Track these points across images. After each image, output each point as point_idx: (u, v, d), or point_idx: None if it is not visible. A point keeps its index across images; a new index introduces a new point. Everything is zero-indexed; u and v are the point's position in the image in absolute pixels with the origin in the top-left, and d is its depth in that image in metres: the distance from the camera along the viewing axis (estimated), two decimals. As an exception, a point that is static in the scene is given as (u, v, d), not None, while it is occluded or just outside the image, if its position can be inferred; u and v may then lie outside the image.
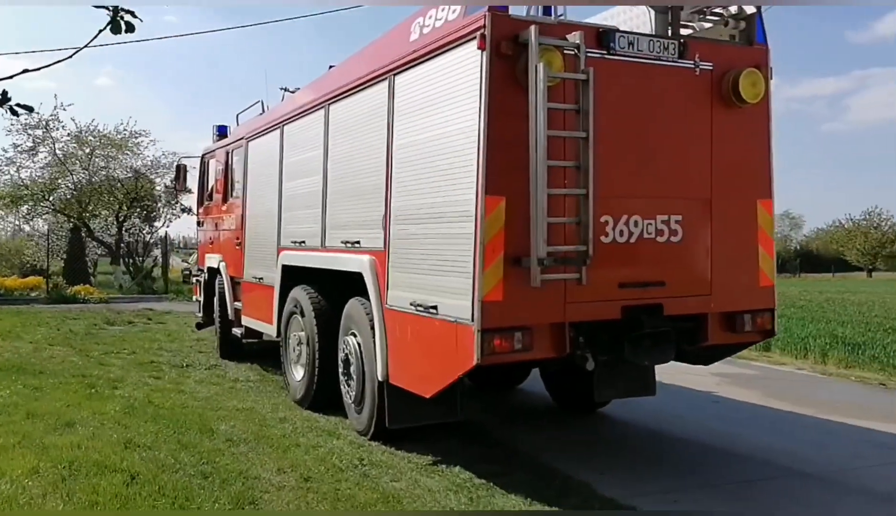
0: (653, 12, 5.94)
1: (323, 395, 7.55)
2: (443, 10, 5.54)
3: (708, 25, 6.16)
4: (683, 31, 6.11)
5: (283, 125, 8.62)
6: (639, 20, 6.08)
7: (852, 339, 12.24)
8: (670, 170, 5.73)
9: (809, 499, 5.39)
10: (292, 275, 8.19)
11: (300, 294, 7.86)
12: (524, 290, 5.03)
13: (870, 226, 70.79)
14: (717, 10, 6.06)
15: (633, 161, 5.59)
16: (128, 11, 3.54)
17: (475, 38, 5.02)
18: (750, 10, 5.99)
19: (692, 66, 5.74)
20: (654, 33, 5.85)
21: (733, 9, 6.03)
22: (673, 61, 5.67)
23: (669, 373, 8.16)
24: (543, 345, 5.30)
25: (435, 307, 5.38)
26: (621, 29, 5.63)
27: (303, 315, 7.78)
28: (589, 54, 5.24)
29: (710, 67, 5.81)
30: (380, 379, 6.13)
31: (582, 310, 5.37)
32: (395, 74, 6.11)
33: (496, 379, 8.81)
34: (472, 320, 4.98)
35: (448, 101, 5.40)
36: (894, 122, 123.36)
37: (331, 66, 8.63)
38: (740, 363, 12.02)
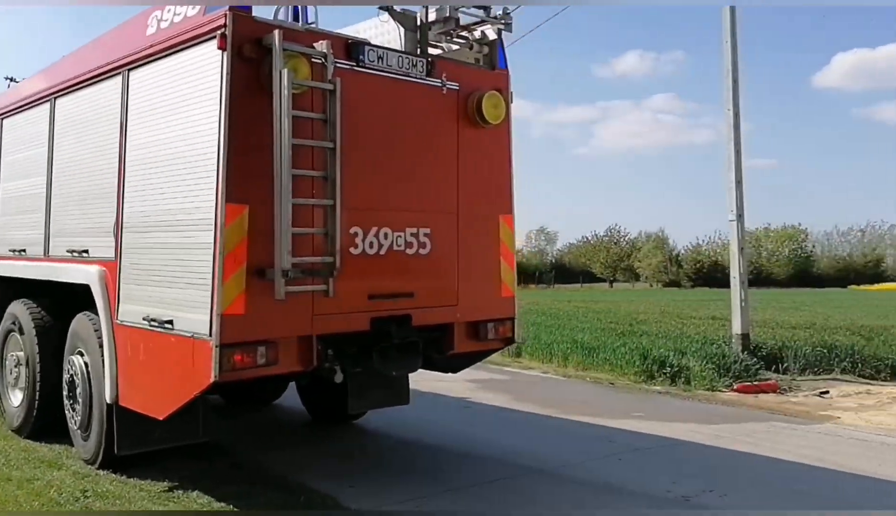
0: (402, 29, 6.04)
1: (45, 422, 6.73)
2: (182, 6, 5.20)
3: (455, 48, 6.39)
4: (432, 51, 6.29)
5: (2, 119, 7.63)
6: (389, 36, 6.16)
7: (589, 344, 13.43)
8: (419, 184, 5.86)
9: (541, 495, 5.74)
10: (10, 289, 7.24)
11: (19, 309, 6.97)
12: (268, 303, 4.83)
13: (611, 241, 79.02)
14: (463, 34, 6.31)
15: (384, 173, 5.63)
16: None
17: (215, 36, 4.77)
18: (492, 35, 6.32)
19: (440, 84, 5.92)
20: (403, 50, 5.95)
21: (477, 34, 6.33)
22: (421, 79, 5.80)
23: (426, 380, 8.36)
24: (289, 359, 5.13)
25: (171, 321, 5.00)
26: (371, 43, 5.66)
27: (21, 332, 6.90)
28: (338, 65, 5.21)
29: (457, 87, 6.03)
30: (108, 401, 5.57)
31: (330, 323, 5.28)
32: (129, 69, 5.63)
33: (250, 395, 8.45)
34: (211, 335, 4.69)
35: (187, 101, 5.07)
36: (631, 149, 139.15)
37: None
38: (493, 369, 12.71)
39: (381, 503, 5.40)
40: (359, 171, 5.37)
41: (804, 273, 77.18)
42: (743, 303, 13.14)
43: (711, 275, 73.66)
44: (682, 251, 79.02)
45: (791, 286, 69.48)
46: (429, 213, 5.90)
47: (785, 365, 12.91)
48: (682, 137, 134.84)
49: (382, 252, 5.58)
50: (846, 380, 12.53)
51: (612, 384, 11.36)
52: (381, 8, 6.06)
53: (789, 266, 77.27)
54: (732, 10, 13.16)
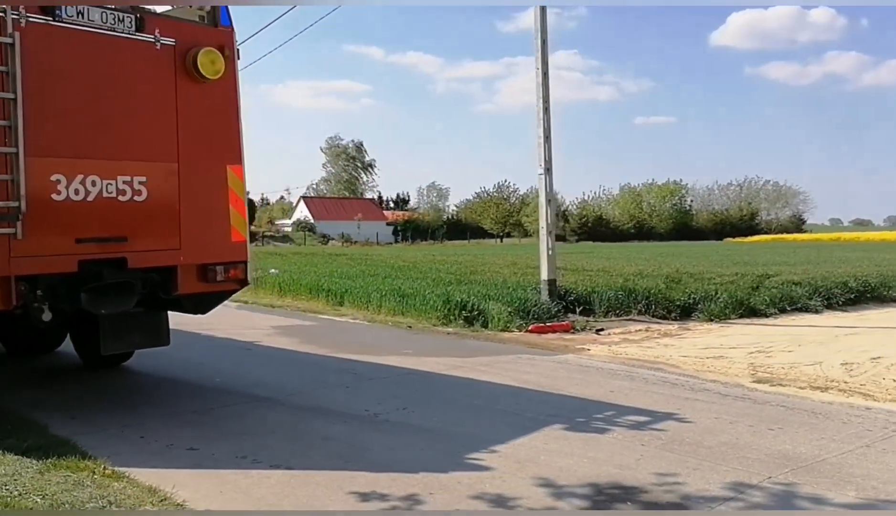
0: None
1: None
2: None
3: (170, 6, 6.73)
4: (159, 8, 6.60)
5: None
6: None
7: (404, 291, 14.16)
8: (132, 135, 6.23)
9: (251, 418, 6.33)
10: None
11: None
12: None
13: (500, 197, 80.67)
14: (182, -9, 6.67)
15: (89, 124, 5.97)
16: None
17: None
18: (213, -6, 6.71)
19: (153, 40, 6.29)
20: (111, 6, 6.23)
21: (197, -9, 6.69)
22: (130, 34, 6.15)
23: (232, 327, 8.77)
24: (-12, 298, 5.49)
25: None
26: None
27: None
28: (32, 19, 5.51)
29: (173, 43, 6.41)
30: None
31: (32, 264, 5.65)
32: None
33: (27, 343, 8.72)
34: None
35: None
36: (530, 105, 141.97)
37: None
38: (308, 316, 13.31)
39: (89, 430, 5.83)
40: (59, 122, 5.72)
41: (684, 227, 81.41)
42: (550, 252, 14.15)
43: (596, 229, 76.85)
44: (570, 207, 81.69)
45: (671, 239, 73.28)
46: (144, 163, 6.30)
47: (591, 308, 14.12)
48: (584, 94, 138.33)
49: (91, 198, 5.96)
50: (639, 320, 13.78)
51: (410, 327, 12.15)
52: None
53: (670, 220, 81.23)
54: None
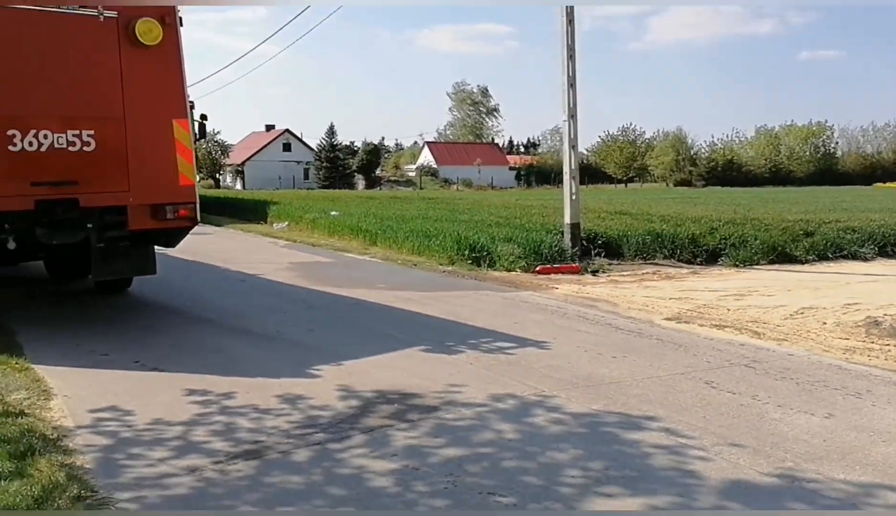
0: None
1: None
2: None
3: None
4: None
5: None
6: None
7: (426, 232, 14.96)
8: (81, 96, 7.47)
9: (181, 334, 7.54)
10: None
11: None
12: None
13: (626, 141, 78.51)
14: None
15: (41, 88, 7.25)
16: None
17: None
18: (151, -30, 7.74)
19: (96, 14, 7.44)
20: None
21: (138, -32, 7.75)
22: (75, 10, 7.34)
23: (255, 260, 9.91)
24: (-38, 230, 6.98)
25: None
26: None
27: None
28: (-12, 4, 6.79)
29: (115, 16, 7.54)
30: None
31: (-4, 202, 7.08)
32: None
33: (65, 269, 10.44)
34: None
35: None
36: (687, 42, 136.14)
37: None
38: (335, 254, 14.52)
39: (44, 338, 7.24)
40: (13, 88, 7.04)
41: (827, 170, 75.86)
42: (573, 196, 14.48)
43: (726, 173, 73.24)
44: (700, 149, 78.28)
45: (812, 184, 68.73)
46: (92, 119, 7.53)
47: (621, 251, 14.44)
48: (745, 29, 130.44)
49: (44, 149, 7.27)
50: (661, 264, 13.93)
51: (415, 265, 13.03)
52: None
53: (810, 164, 75.96)
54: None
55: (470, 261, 13.15)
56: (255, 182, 61.33)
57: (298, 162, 69.33)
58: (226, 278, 11.23)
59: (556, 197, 37.99)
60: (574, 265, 13.16)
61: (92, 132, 7.53)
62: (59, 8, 7.26)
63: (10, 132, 7.08)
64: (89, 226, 7.64)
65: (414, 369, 6.10)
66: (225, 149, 65.96)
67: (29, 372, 5.97)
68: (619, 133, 79.23)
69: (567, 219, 14.39)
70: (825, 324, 8.04)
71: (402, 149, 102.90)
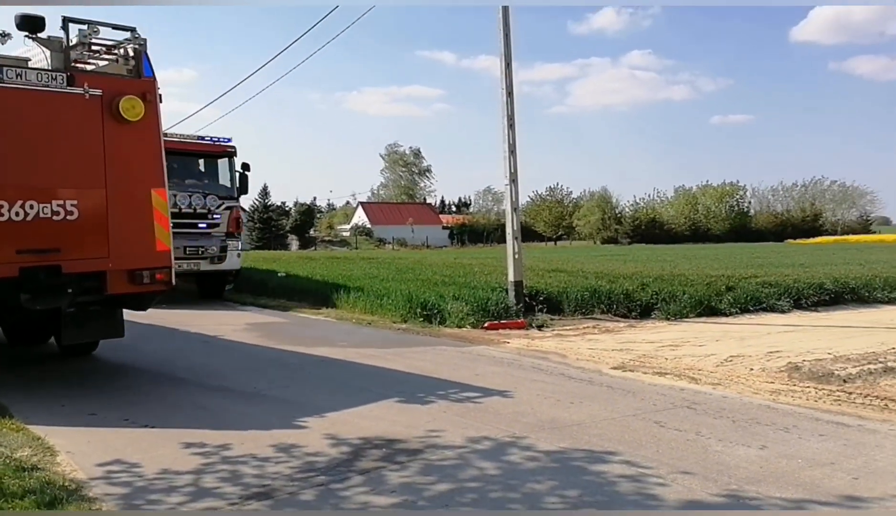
0: (49, 52, 8.00)
1: None
2: None
3: (105, 63, 8.37)
4: (89, 67, 8.26)
5: None
6: (39, 57, 8.11)
7: (378, 291, 15.53)
8: (65, 168, 7.87)
9: (174, 394, 7.86)
10: None
11: None
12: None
13: (553, 200, 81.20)
14: (108, 54, 8.29)
15: (28, 162, 7.64)
16: None
17: None
18: (133, 52, 8.30)
19: (82, 92, 7.92)
20: (49, 68, 7.90)
21: (121, 52, 8.30)
22: (62, 89, 7.81)
23: (211, 322, 10.27)
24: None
25: None
26: (13, 64, 7.63)
27: None
28: (-21, 83, 7.21)
29: (100, 93, 8.03)
30: None
31: (-20, 270, 7.36)
32: None
33: (27, 334, 10.54)
34: None
35: None
36: (608, 107, 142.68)
37: None
38: (286, 315, 14.88)
39: (31, 399, 7.47)
40: (4, 161, 7.40)
41: (741, 228, 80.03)
42: (516, 255, 15.28)
43: (649, 231, 76.49)
44: (624, 209, 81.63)
45: (728, 241, 72.31)
46: (76, 189, 7.94)
47: (560, 307, 15.26)
48: (658, 94, 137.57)
49: (29, 219, 7.62)
50: (598, 319, 14.78)
51: (370, 324, 13.56)
52: (26, 36, 7.97)
53: (726, 222, 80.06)
54: None
55: (422, 319, 13.75)
56: (188, 243, 60.50)
57: (231, 223, 68.80)
58: (188, 339, 11.50)
59: (491, 255, 39.44)
60: (520, 321, 13.91)
61: (75, 202, 7.92)
62: (47, 87, 7.71)
63: (-2, 203, 7.43)
64: (69, 291, 7.97)
65: (393, 418, 6.65)
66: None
67: (26, 431, 6.23)
68: (547, 193, 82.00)
69: (511, 277, 15.20)
70: (752, 369, 8.96)
71: (335, 209, 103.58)
